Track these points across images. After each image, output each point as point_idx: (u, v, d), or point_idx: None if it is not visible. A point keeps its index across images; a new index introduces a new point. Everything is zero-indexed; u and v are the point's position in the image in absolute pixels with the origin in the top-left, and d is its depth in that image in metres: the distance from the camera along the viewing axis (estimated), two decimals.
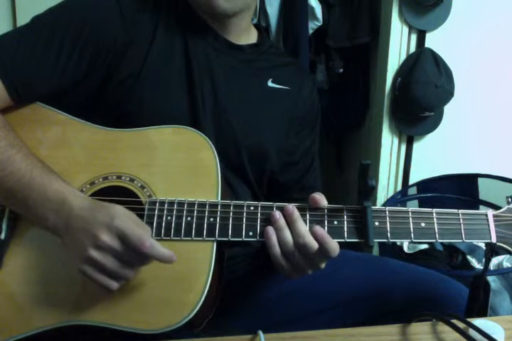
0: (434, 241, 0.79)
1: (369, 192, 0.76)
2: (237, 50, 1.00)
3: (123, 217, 0.74)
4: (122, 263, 0.74)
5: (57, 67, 0.89)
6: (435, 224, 0.79)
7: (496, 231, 0.79)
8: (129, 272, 0.75)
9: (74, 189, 0.80)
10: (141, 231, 0.74)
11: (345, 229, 0.79)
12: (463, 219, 0.80)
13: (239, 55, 1.00)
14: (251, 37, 1.05)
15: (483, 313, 0.82)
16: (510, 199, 0.82)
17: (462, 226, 0.79)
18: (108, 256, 0.73)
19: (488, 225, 0.80)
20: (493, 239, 0.79)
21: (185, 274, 0.77)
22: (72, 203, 0.77)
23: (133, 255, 0.74)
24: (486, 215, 0.80)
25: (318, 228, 0.77)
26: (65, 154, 0.86)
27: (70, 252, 0.76)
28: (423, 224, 0.79)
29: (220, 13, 0.93)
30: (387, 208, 0.80)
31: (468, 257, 1.70)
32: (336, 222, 0.79)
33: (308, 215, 0.80)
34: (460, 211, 0.80)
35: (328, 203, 0.81)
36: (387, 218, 0.79)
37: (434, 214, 0.80)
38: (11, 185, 0.79)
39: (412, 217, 0.80)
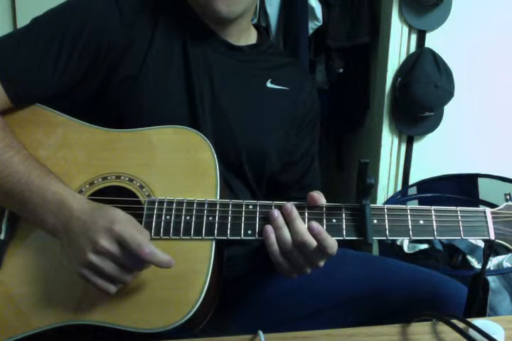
0: (432, 238, 0.79)
1: (367, 190, 0.76)
2: (236, 51, 1.00)
3: (123, 221, 0.74)
4: (121, 267, 0.74)
5: (57, 69, 0.89)
6: (433, 221, 0.80)
7: (495, 228, 0.80)
8: (128, 276, 0.75)
9: (72, 191, 0.80)
10: (140, 236, 0.73)
11: (344, 227, 0.79)
12: (461, 216, 0.80)
13: (238, 56, 1.00)
14: (250, 37, 1.05)
15: (482, 312, 0.82)
16: (508, 197, 0.82)
17: (460, 223, 0.80)
18: (107, 261, 0.73)
19: (487, 222, 0.80)
20: (492, 236, 0.79)
21: (185, 273, 0.77)
22: (72, 205, 0.77)
23: (132, 260, 0.74)
24: (484, 212, 0.81)
25: (315, 225, 0.77)
26: (65, 155, 0.86)
27: (69, 254, 0.76)
28: (421, 222, 0.80)
29: (222, 18, 0.93)
30: (385, 206, 0.80)
31: (468, 257, 1.70)
32: (334, 220, 0.79)
33: (306, 213, 0.80)
34: (458, 208, 0.81)
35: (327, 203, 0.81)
36: (386, 216, 0.80)
37: (432, 211, 0.80)
38: (9, 187, 0.79)
39: (411, 215, 0.80)
